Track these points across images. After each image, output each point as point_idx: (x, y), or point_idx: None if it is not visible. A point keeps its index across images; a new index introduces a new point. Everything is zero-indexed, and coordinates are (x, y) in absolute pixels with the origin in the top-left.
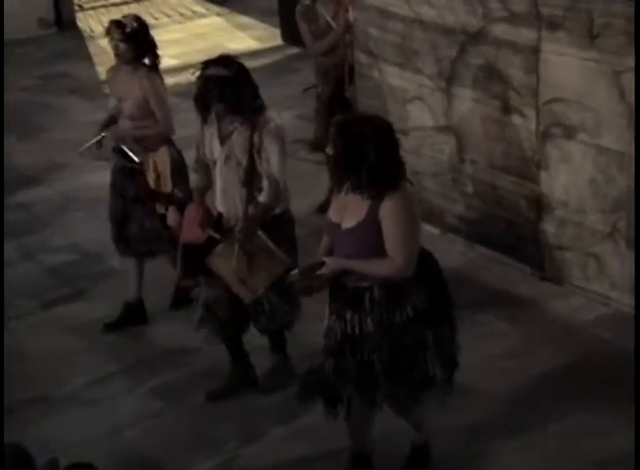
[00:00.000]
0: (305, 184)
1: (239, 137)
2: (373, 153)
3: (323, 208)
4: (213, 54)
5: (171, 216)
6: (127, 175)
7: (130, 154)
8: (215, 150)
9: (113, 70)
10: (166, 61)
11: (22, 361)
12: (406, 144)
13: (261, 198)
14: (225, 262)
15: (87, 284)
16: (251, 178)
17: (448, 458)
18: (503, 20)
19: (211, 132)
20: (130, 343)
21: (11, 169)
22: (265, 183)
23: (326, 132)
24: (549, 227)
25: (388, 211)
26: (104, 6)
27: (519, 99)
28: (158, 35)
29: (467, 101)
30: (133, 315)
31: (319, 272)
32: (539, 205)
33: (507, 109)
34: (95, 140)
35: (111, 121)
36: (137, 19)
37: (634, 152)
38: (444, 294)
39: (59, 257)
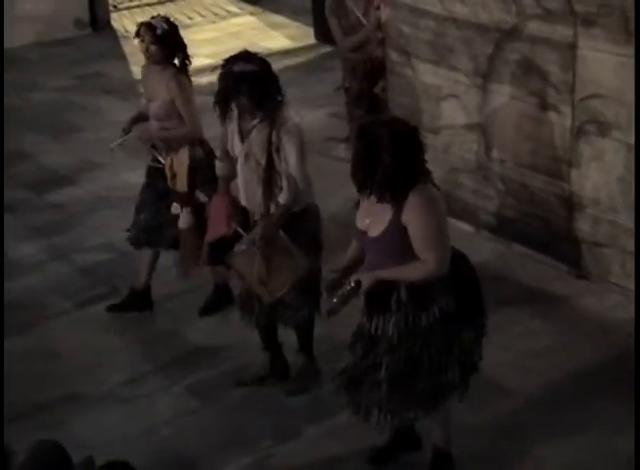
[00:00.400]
0: (336, 182)
1: (258, 135)
2: (389, 157)
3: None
4: None
5: (183, 218)
6: (156, 174)
7: (156, 154)
8: (236, 147)
9: (144, 68)
10: (201, 60)
11: (57, 360)
12: (437, 142)
13: (280, 199)
14: (246, 263)
15: (122, 283)
16: (270, 177)
17: (476, 456)
18: (537, 17)
19: (232, 129)
20: (165, 341)
21: (45, 169)
22: (284, 183)
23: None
24: (583, 225)
25: (410, 214)
26: (138, 6)
27: (556, 96)
28: (192, 35)
29: (503, 97)
30: (136, 302)
31: (359, 292)
32: (570, 203)
33: (544, 105)
34: (125, 138)
35: (139, 118)
36: (167, 20)
37: (634, 150)
38: (475, 298)
39: (93, 256)
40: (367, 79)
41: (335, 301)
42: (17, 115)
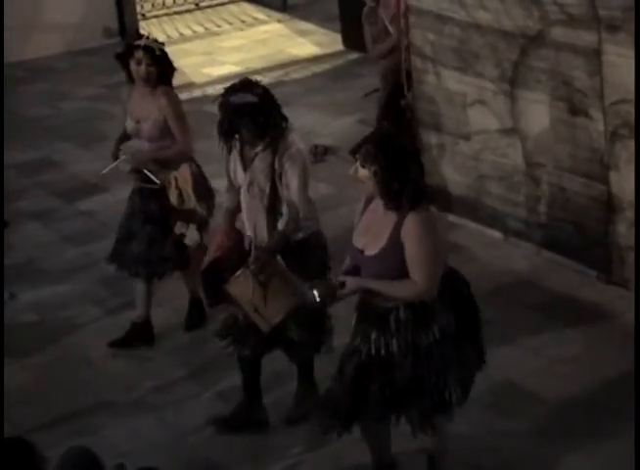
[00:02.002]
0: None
1: (260, 163)
2: (417, 166)
3: None
4: (275, 60)
5: (191, 235)
6: (147, 196)
7: (150, 175)
8: (239, 176)
9: (130, 89)
10: (228, 68)
11: (88, 367)
12: (467, 148)
13: (280, 225)
14: (242, 291)
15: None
16: (274, 205)
17: (507, 462)
18: (561, 23)
19: (234, 158)
20: (196, 348)
21: (74, 177)
22: (285, 209)
23: None
24: (619, 229)
25: (409, 232)
26: (167, 14)
27: (585, 100)
28: (219, 42)
29: (532, 103)
30: (139, 335)
31: (339, 293)
32: (609, 206)
33: (574, 111)
34: (117, 163)
35: (124, 139)
36: (155, 40)
37: (634, 152)
38: (472, 315)
39: None
40: (395, 90)
41: (312, 295)
42: (46, 124)
